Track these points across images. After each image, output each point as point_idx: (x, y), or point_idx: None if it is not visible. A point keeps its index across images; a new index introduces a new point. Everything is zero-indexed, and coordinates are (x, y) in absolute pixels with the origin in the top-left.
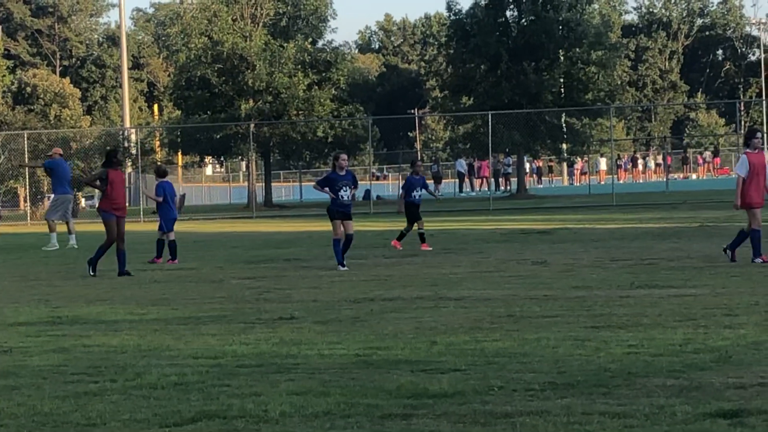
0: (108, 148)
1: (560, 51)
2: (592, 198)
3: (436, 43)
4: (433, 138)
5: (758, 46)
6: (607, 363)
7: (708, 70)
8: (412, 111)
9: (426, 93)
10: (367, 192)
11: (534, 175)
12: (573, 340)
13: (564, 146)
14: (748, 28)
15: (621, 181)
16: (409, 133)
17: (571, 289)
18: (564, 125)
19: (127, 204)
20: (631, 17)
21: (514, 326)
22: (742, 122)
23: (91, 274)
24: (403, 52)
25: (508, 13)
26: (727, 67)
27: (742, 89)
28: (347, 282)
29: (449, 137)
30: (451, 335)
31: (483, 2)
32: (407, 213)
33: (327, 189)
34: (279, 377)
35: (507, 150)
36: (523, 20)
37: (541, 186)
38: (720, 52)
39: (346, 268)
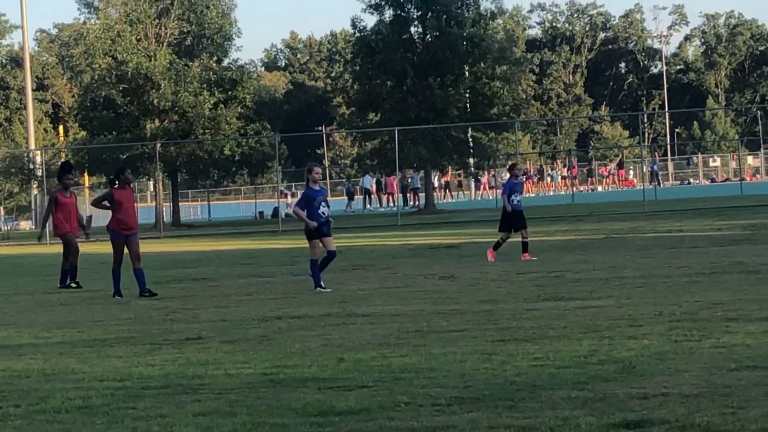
0: (119, 167)
1: (465, 66)
2: (499, 212)
3: (341, 59)
4: (341, 154)
5: (660, 59)
6: (513, 376)
7: (611, 83)
8: (320, 128)
9: (333, 110)
10: (276, 210)
11: (443, 190)
12: (480, 354)
13: (471, 160)
14: (649, 41)
15: (527, 195)
16: (317, 150)
17: (479, 303)
18: (470, 140)
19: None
20: (535, 32)
21: (422, 341)
22: (646, 134)
23: (118, 297)
24: (309, 69)
25: (412, 30)
26: (630, 79)
27: (645, 101)
28: (255, 301)
29: (357, 153)
30: (358, 352)
31: (387, 19)
32: (506, 220)
33: (305, 215)
34: (185, 398)
35: (414, 165)
36: (428, 36)
37: (451, 200)
38: (623, 65)
39: (327, 290)
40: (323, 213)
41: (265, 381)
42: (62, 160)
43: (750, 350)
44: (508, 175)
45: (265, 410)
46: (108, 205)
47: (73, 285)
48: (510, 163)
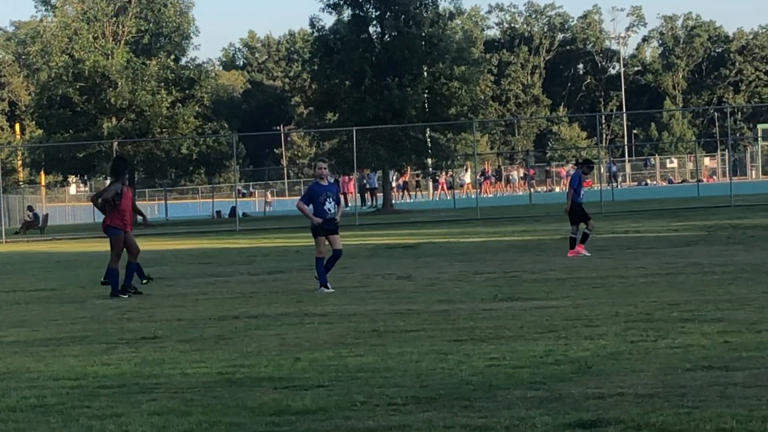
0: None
1: (423, 66)
2: (456, 212)
3: (300, 59)
4: (299, 154)
5: (618, 60)
6: (469, 376)
7: (569, 84)
8: (278, 127)
9: (291, 109)
10: (233, 209)
11: (401, 191)
12: (436, 354)
13: (429, 161)
14: (607, 43)
15: (485, 195)
16: (275, 150)
17: (435, 302)
18: (428, 140)
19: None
20: (494, 32)
21: (378, 341)
22: (604, 135)
23: (126, 296)
24: (267, 68)
25: (371, 29)
26: (588, 81)
27: (602, 102)
28: (212, 300)
29: (315, 153)
30: (314, 351)
31: (346, 19)
32: (574, 213)
33: (309, 210)
34: (141, 397)
35: (372, 165)
36: (386, 36)
37: (409, 201)
38: (581, 66)
39: (331, 290)
40: (329, 209)
41: (221, 380)
42: (18, 159)
43: (705, 351)
44: (569, 169)
45: (220, 410)
46: (114, 199)
47: (145, 281)
48: (583, 158)
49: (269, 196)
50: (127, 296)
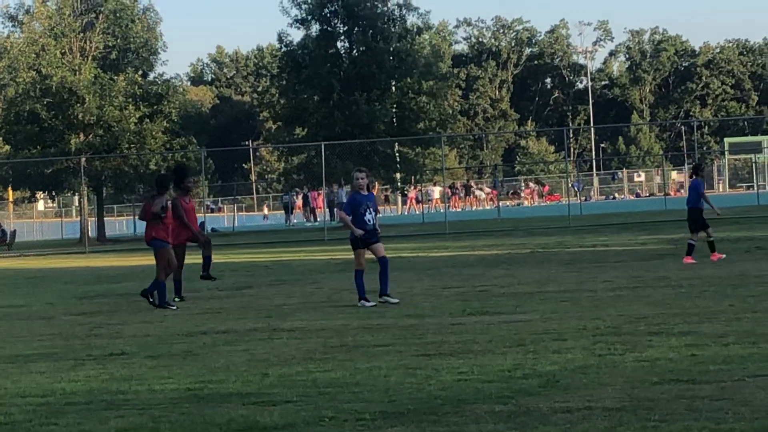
0: (165, 172)
1: (391, 81)
2: (425, 226)
3: (268, 74)
4: (268, 169)
5: (585, 74)
6: (438, 390)
7: (537, 99)
8: (246, 143)
9: (259, 124)
10: (202, 224)
11: None
12: (404, 369)
13: (397, 175)
14: (575, 57)
15: (454, 209)
16: (243, 165)
17: (404, 317)
18: (397, 155)
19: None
20: (461, 47)
21: (347, 356)
22: (571, 149)
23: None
24: (236, 83)
25: (339, 45)
26: (556, 95)
27: (570, 117)
28: (180, 316)
29: (283, 168)
30: (283, 367)
31: (314, 34)
32: (696, 221)
33: (350, 220)
34: (108, 414)
35: (341, 180)
36: (354, 51)
37: (379, 215)
38: (548, 80)
39: (372, 304)
40: (369, 219)
41: (189, 396)
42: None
43: (672, 364)
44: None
45: (188, 426)
46: (161, 215)
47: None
48: (696, 162)
49: (266, 209)
50: (175, 307)
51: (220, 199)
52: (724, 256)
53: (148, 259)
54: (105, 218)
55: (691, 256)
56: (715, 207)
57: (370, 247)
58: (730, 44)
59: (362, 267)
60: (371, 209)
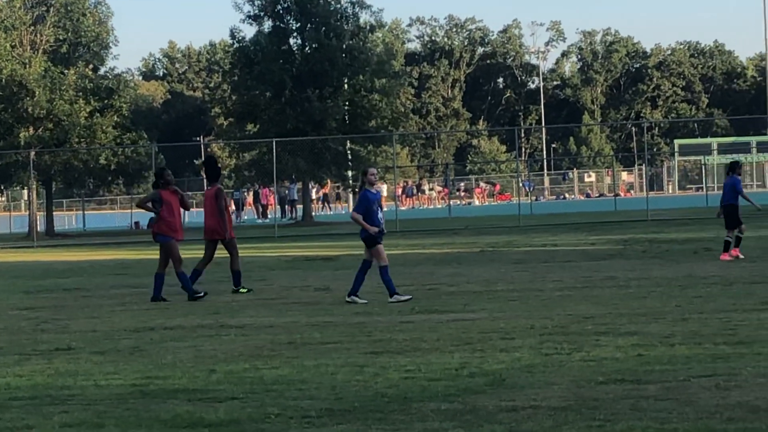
0: (160, 167)
1: (344, 79)
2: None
3: (220, 70)
4: (219, 165)
5: (537, 75)
6: (384, 388)
7: (489, 98)
8: (198, 138)
9: (211, 120)
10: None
11: (321, 203)
12: (352, 366)
13: (349, 173)
14: (527, 57)
15: (404, 208)
16: (194, 161)
17: (352, 315)
18: (348, 152)
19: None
20: (414, 45)
21: (294, 353)
22: (523, 149)
23: (201, 294)
24: (188, 79)
25: (291, 41)
26: (508, 94)
27: (522, 116)
28: (128, 311)
29: (234, 165)
30: (230, 363)
31: (266, 30)
32: (732, 217)
33: (362, 218)
34: (53, 409)
35: (292, 177)
36: (307, 48)
37: (329, 213)
38: (501, 80)
39: (407, 297)
40: (381, 218)
41: (135, 392)
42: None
43: (618, 363)
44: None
45: (133, 421)
46: (151, 206)
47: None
48: (732, 161)
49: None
50: (202, 295)
51: None
52: (741, 256)
53: (97, 254)
54: (54, 213)
55: (728, 253)
56: (756, 203)
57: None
58: (681, 46)
59: (386, 262)
60: (380, 207)
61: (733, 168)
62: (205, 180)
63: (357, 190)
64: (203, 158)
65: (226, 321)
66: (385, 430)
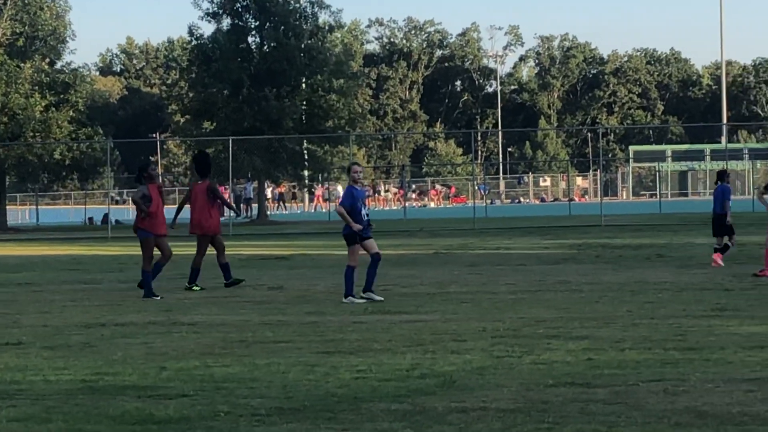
0: (143, 163)
1: (302, 78)
2: (331, 224)
3: (178, 67)
4: (175, 162)
5: (495, 78)
6: (335, 388)
7: (447, 101)
8: (154, 135)
9: (168, 117)
10: (106, 216)
11: (277, 202)
12: (303, 366)
13: (305, 173)
14: (485, 61)
15: None
16: (150, 158)
17: (305, 314)
18: (305, 152)
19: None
20: (373, 47)
21: (246, 351)
22: (479, 152)
23: (158, 297)
24: (145, 75)
25: (250, 39)
26: (465, 98)
27: (479, 120)
28: (80, 307)
29: (190, 162)
30: (181, 361)
31: (225, 28)
32: (722, 225)
33: (350, 217)
34: (1, 404)
35: (249, 175)
36: (265, 47)
37: (285, 212)
38: (459, 83)
39: (361, 300)
40: (365, 215)
41: (84, 388)
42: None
43: (569, 367)
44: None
45: (82, 417)
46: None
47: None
48: (720, 170)
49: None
50: (159, 297)
51: (125, 191)
52: (722, 264)
53: (50, 249)
54: (7, 207)
55: (721, 255)
56: (730, 216)
57: (362, 243)
58: (638, 53)
59: (356, 263)
60: (365, 204)
61: (722, 177)
62: (191, 175)
63: (313, 190)
64: (194, 154)
65: (178, 318)
66: (335, 429)
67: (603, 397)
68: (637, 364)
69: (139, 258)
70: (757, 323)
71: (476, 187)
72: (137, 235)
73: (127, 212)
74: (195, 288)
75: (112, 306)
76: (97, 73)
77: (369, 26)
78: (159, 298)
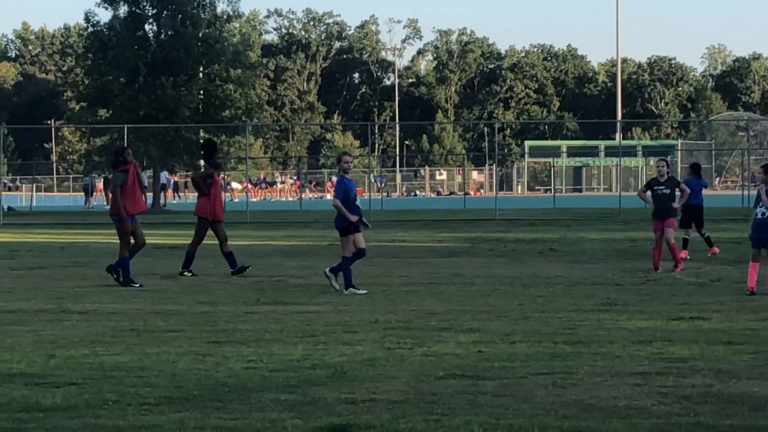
0: (120, 147)
1: (199, 67)
2: (226, 215)
3: (74, 53)
4: (70, 150)
5: (393, 71)
6: (225, 378)
7: (345, 93)
8: (49, 122)
9: (63, 104)
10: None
11: (172, 191)
12: (194, 355)
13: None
14: (383, 53)
15: (256, 199)
16: (45, 144)
17: (197, 304)
18: (201, 141)
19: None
20: (271, 37)
21: (136, 340)
22: (376, 145)
23: (137, 285)
24: (41, 61)
25: (147, 27)
26: (363, 90)
27: (376, 112)
28: None
29: (85, 150)
30: (70, 349)
31: (122, 15)
32: (699, 216)
33: (345, 209)
34: None
35: (144, 164)
36: (162, 35)
37: (180, 201)
38: (357, 75)
39: (363, 291)
40: (359, 205)
41: None
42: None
43: (459, 359)
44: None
45: None
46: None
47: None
48: (692, 164)
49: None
50: (138, 285)
51: (18, 177)
52: (687, 257)
53: None
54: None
55: (713, 246)
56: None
57: (355, 235)
58: (535, 49)
59: (350, 254)
60: (356, 195)
61: (696, 170)
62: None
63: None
64: (202, 141)
65: (69, 306)
66: (223, 419)
67: (492, 389)
68: (527, 357)
69: (32, 246)
70: (645, 318)
71: (372, 180)
72: (113, 221)
73: (21, 199)
74: (186, 274)
75: (2, 293)
76: None
77: (267, 17)
78: (138, 285)
